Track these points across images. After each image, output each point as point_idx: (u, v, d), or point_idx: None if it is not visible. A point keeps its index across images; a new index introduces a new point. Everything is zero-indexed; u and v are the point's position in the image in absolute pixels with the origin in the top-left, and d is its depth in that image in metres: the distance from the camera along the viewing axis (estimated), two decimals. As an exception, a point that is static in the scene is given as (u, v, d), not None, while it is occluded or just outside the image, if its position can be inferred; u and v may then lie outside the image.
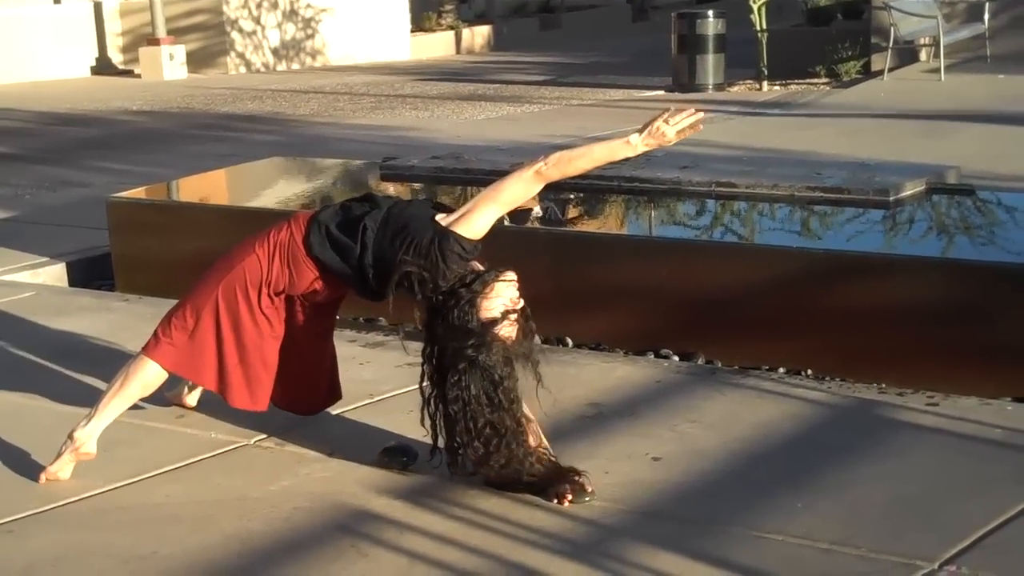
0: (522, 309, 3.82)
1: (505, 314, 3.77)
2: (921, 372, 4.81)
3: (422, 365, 3.87)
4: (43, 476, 4.09)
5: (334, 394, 4.45)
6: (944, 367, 4.85)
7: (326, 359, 4.40)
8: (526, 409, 3.86)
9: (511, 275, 3.83)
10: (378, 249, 3.97)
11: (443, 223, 3.91)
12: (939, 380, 4.71)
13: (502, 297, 3.78)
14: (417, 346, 3.98)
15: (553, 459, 3.85)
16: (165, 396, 4.61)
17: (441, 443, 3.88)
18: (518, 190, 3.92)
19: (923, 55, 16.10)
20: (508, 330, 3.78)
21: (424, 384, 3.87)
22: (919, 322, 4.98)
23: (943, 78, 14.38)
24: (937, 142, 10.06)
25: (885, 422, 4.39)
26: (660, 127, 3.84)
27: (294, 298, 4.17)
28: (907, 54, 15.95)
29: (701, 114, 3.89)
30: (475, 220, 3.90)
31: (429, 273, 3.81)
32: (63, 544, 3.67)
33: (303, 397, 4.38)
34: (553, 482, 3.79)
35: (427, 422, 3.87)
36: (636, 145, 3.87)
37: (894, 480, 3.89)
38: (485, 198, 3.94)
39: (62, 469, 4.10)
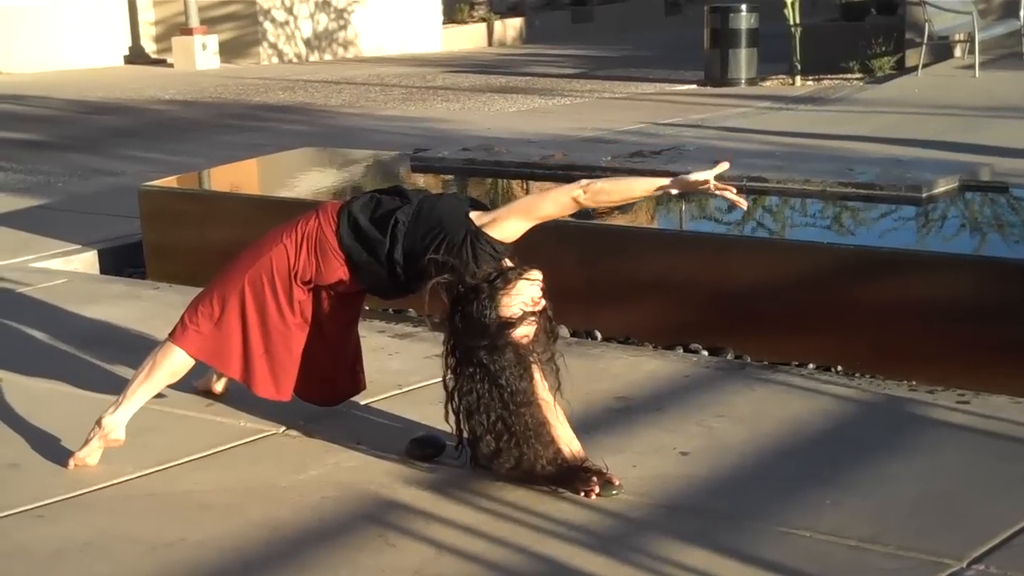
0: (543, 310, 3.79)
1: (524, 314, 3.75)
2: (952, 370, 4.79)
3: (444, 358, 3.87)
4: (72, 462, 4.12)
5: (358, 384, 4.46)
6: (975, 365, 4.82)
7: (350, 350, 4.41)
8: (557, 411, 3.85)
9: (536, 274, 3.81)
10: (409, 244, 3.98)
11: (476, 222, 3.91)
12: (970, 378, 4.68)
13: (523, 296, 3.76)
14: (434, 338, 3.99)
15: (574, 464, 3.81)
16: (193, 384, 4.63)
17: (465, 436, 3.88)
18: (552, 210, 3.95)
19: (957, 51, 16.00)
20: (526, 330, 3.76)
21: (448, 378, 3.87)
22: (950, 319, 4.95)
23: (977, 74, 14.28)
24: (971, 138, 9.99)
25: (915, 419, 4.37)
26: (700, 185, 3.91)
27: (320, 288, 4.17)
28: (941, 50, 15.85)
29: (743, 202, 3.92)
30: (507, 226, 3.91)
31: (459, 271, 3.80)
32: (92, 529, 3.69)
33: (326, 387, 4.39)
34: (570, 481, 3.78)
35: (451, 417, 3.87)
36: (671, 188, 3.95)
37: (923, 478, 3.87)
38: (520, 208, 3.97)
39: (90, 455, 4.12)
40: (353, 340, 4.41)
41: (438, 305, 3.88)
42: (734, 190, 3.90)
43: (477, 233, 3.88)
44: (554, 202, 3.93)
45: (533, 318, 3.76)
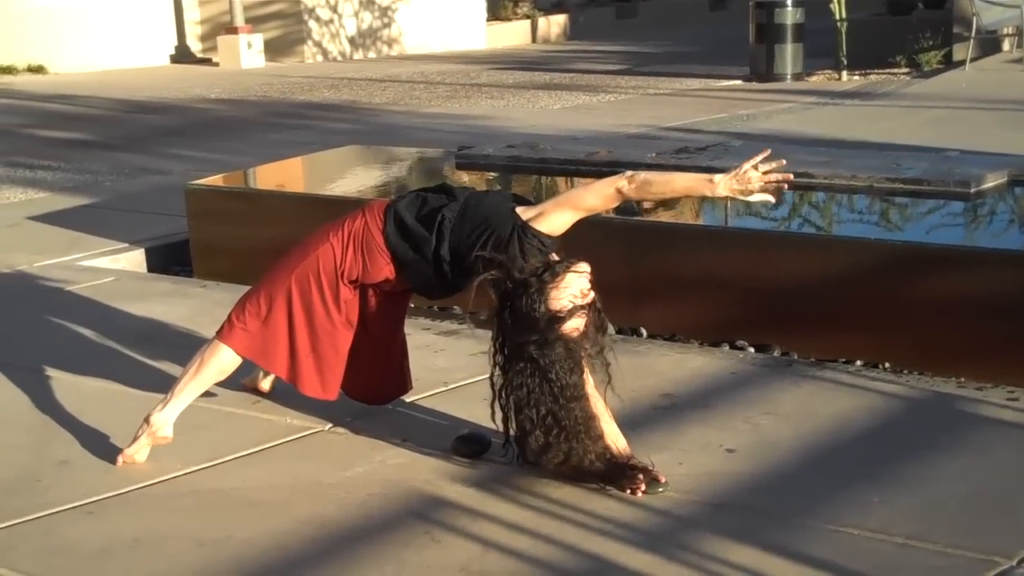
0: (592, 303, 3.77)
1: (574, 307, 3.73)
2: (1001, 366, 4.74)
3: (492, 355, 3.87)
4: (120, 459, 4.15)
5: (403, 385, 4.46)
6: (1025, 362, 4.77)
7: (396, 349, 4.41)
8: (603, 408, 3.84)
9: (584, 266, 3.79)
10: (455, 241, 3.98)
11: (523, 217, 3.91)
12: (1020, 375, 4.63)
13: (572, 288, 3.74)
14: (481, 335, 3.98)
15: (620, 460, 3.81)
16: (241, 382, 4.65)
17: (512, 433, 3.88)
18: (597, 202, 3.93)
19: (1006, 45, 15.87)
20: (576, 323, 3.74)
21: (495, 375, 3.86)
22: (999, 316, 4.91)
23: (1026, 68, 14.16)
24: (1020, 133, 9.90)
25: (964, 416, 4.33)
26: (748, 172, 3.85)
27: (367, 287, 4.18)
28: (989, 44, 15.72)
29: (790, 175, 3.89)
30: (553, 220, 3.90)
31: (506, 266, 3.80)
32: (141, 526, 3.72)
33: (373, 386, 4.39)
34: (617, 477, 3.78)
35: (497, 415, 3.87)
36: (718, 186, 3.88)
37: (972, 475, 3.84)
38: (566, 201, 3.95)
39: (139, 452, 4.15)
40: (400, 339, 4.41)
41: (485, 302, 3.87)
42: (779, 176, 3.86)
43: (524, 228, 3.88)
44: (598, 194, 3.92)
45: (583, 311, 3.74)
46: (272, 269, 4.27)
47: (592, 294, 3.78)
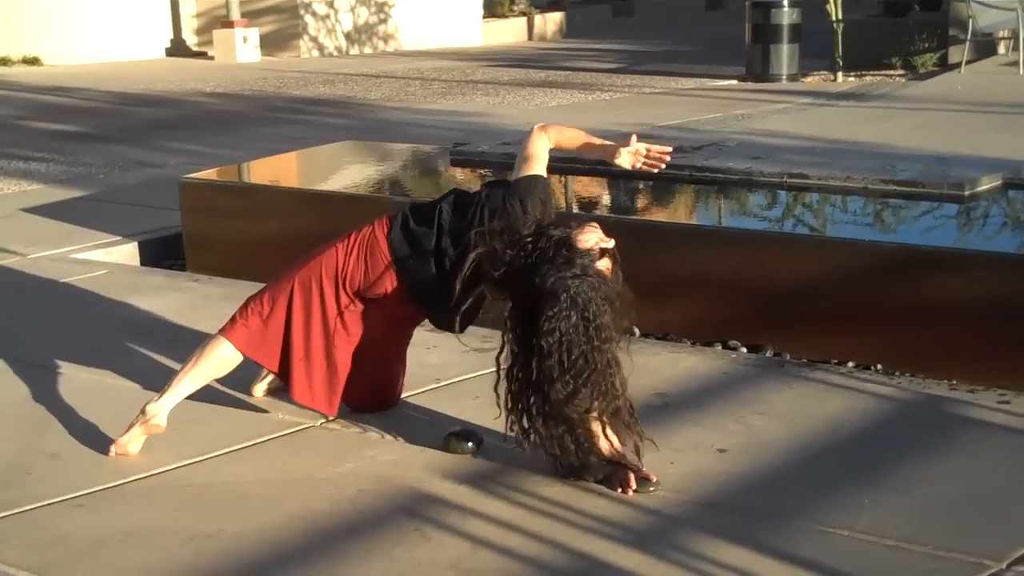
0: (613, 249, 3.87)
1: (602, 249, 3.82)
2: (993, 369, 4.75)
3: (503, 336, 3.83)
4: (113, 448, 4.15)
5: (390, 403, 4.46)
6: (1016, 364, 4.77)
7: (395, 373, 4.43)
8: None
9: (594, 223, 3.94)
10: (455, 228, 4.04)
11: (510, 181, 4.07)
12: (1011, 378, 4.64)
13: (595, 234, 3.85)
14: (473, 332, 3.99)
15: (612, 459, 3.82)
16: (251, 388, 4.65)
17: (512, 423, 3.85)
18: (544, 150, 4.15)
19: (1001, 48, 15.88)
20: (605, 263, 3.83)
21: (503, 355, 3.83)
22: (992, 318, 4.91)
23: (1021, 71, 14.17)
24: (1014, 136, 9.90)
25: (955, 419, 4.34)
26: (639, 150, 4.23)
27: (371, 303, 4.19)
28: (985, 47, 15.73)
29: (667, 157, 4.31)
30: (535, 168, 4.08)
31: (509, 233, 3.86)
32: (132, 519, 3.72)
33: (357, 395, 4.38)
34: (607, 477, 3.79)
35: (504, 399, 3.82)
36: (621, 156, 4.24)
37: (963, 478, 3.85)
38: (534, 157, 4.12)
39: (132, 442, 4.15)
40: (400, 367, 4.44)
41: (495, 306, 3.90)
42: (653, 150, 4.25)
43: (512, 184, 4.05)
44: (544, 145, 4.14)
45: (609, 252, 3.84)
46: (282, 271, 4.30)
47: (612, 242, 3.88)
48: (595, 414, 3.79)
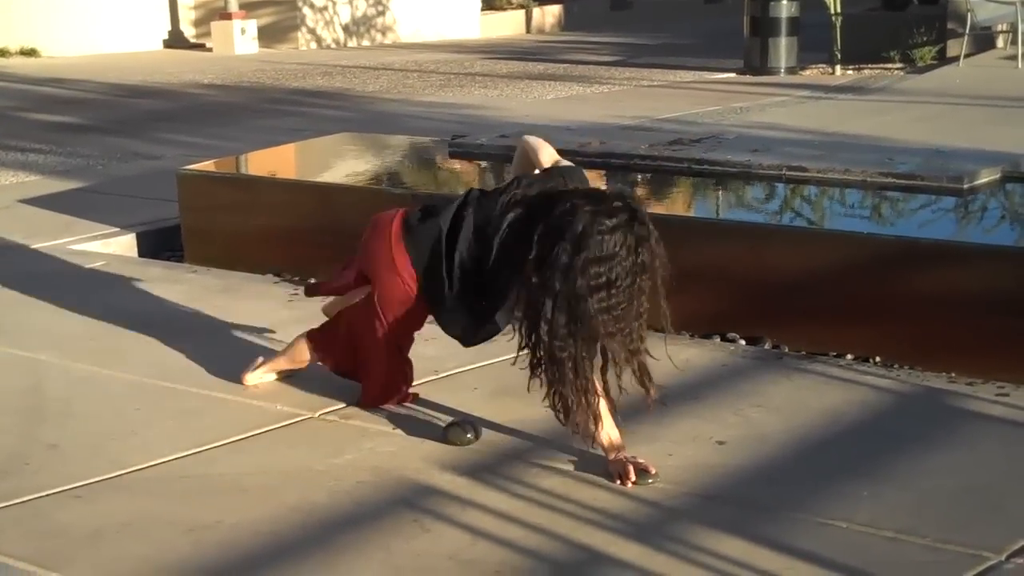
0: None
1: None
2: (991, 362, 4.75)
3: (528, 279, 3.78)
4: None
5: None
6: (1015, 357, 4.77)
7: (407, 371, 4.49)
8: (604, 406, 3.84)
9: None
10: (482, 217, 4.03)
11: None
12: (1010, 370, 4.64)
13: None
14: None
15: (611, 450, 3.85)
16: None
17: (528, 341, 3.80)
18: (539, 141, 4.30)
19: (1000, 41, 15.89)
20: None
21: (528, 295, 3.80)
22: (991, 311, 4.91)
23: (1020, 65, 14.17)
24: (1013, 130, 9.91)
25: (954, 411, 4.34)
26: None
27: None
28: (984, 40, 15.74)
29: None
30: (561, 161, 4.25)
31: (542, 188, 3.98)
32: (130, 511, 3.71)
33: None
34: (606, 468, 3.80)
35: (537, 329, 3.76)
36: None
37: (962, 470, 3.85)
38: (532, 149, 4.25)
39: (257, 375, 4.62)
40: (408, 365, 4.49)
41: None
42: None
43: (551, 169, 4.15)
44: (541, 142, 4.29)
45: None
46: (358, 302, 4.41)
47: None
48: (603, 385, 3.84)
